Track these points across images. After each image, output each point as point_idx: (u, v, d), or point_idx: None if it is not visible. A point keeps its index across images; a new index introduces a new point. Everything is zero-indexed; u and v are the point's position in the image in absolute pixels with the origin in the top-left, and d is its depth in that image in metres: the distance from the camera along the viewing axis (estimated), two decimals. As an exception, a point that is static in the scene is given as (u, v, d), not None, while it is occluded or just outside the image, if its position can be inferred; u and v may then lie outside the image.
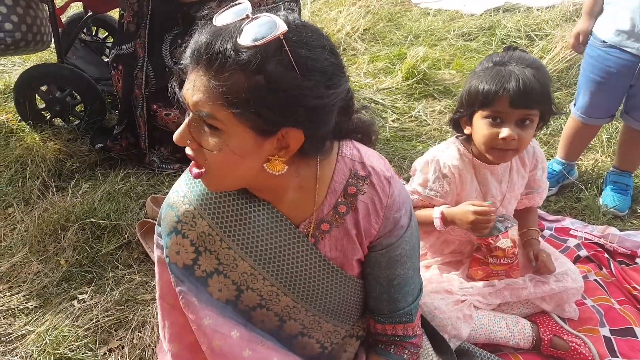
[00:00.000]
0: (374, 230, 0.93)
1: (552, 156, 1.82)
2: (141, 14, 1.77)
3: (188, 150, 0.81)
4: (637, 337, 1.26)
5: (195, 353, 0.98)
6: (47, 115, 2.19)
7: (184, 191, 0.92)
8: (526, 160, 1.30)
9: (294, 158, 0.81)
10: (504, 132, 1.11)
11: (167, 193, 1.90)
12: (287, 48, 0.68)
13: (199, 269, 0.91)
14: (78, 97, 2.17)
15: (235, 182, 0.83)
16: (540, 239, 1.38)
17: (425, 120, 2.17)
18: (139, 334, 1.42)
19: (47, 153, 2.02)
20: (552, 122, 2.06)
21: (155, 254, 0.99)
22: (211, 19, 0.77)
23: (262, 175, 0.80)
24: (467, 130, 1.21)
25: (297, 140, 0.76)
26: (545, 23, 2.76)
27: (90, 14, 2.32)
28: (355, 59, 2.76)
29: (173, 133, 2.21)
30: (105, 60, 2.66)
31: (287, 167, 0.80)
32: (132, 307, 1.50)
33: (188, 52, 0.75)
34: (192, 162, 0.82)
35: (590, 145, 1.92)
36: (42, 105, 2.20)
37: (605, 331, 1.29)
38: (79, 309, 1.51)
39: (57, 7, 2.12)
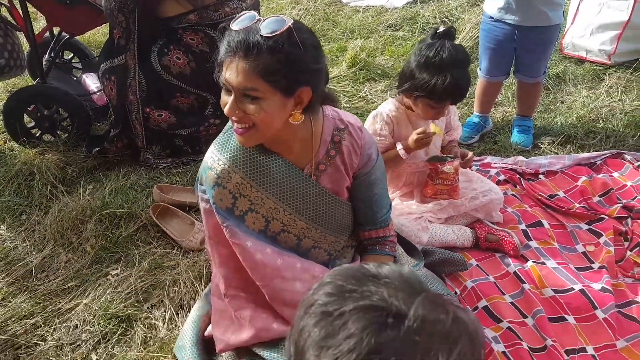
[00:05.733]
0: (355, 164, 1.34)
1: (472, 113, 2.33)
2: (129, 30, 2.05)
3: (234, 118, 1.15)
4: (544, 226, 1.77)
5: (239, 272, 1.31)
6: (36, 132, 2.40)
7: (217, 156, 1.25)
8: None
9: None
10: (441, 112, 1.60)
11: (167, 182, 2.22)
12: (295, 34, 1.07)
13: (237, 210, 1.25)
14: (62, 113, 2.41)
15: (269, 134, 1.18)
16: (471, 170, 1.87)
17: (371, 99, 2.62)
18: (175, 288, 1.71)
19: (48, 163, 2.25)
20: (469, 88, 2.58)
21: (201, 206, 1.32)
22: (226, 27, 1.15)
23: (285, 128, 1.18)
24: (405, 97, 1.67)
25: (308, 96, 1.15)
26: (455, 9, 3.32)
27: (66, 37, 2.55)
28: (303, 55, 3.16)
29: (165, 132, 2.60)
30: (74, 79, 2.90)
31: (303, 116, 1.18)
32: (162, 272, 1.77)
33: (224, 50, 1.10)
34: (235, 126, 1.17)
35: (499, 101, 2.45)
36: (30, 124, 2.42)
37: (522, 226, 1.78)
38: (115, 280, 1.78)
39: (36, 33, 2.37)
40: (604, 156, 2.04)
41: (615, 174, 1.96)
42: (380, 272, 0.56)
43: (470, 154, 1.77)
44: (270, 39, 1.06)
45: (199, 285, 1.72)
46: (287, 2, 3.72)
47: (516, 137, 2.20)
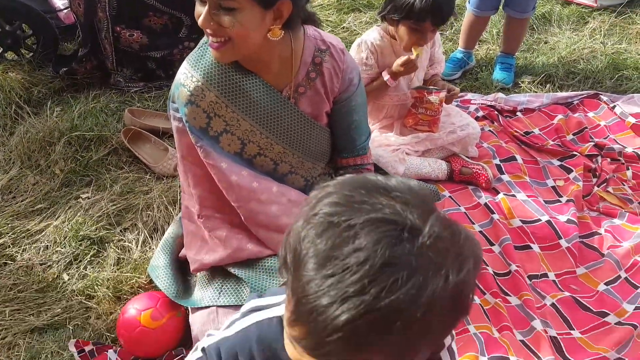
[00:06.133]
0: (336, 88, 1.30)
1: (456, 48, 2.29)
2: None
3: (209, 31, 1.08)
4: (517, 161, 1.81)
5: (213, 193, 1.29)
6: (-1, 49, 2.26)
7: (190, 72, 1.19)
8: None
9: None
10: (422, 40, 1.55)
11: (139, 107, 2.14)
12: None
13: (211, 130, 1.21)
14: (27, 30, 2.26)
15: (246, 50, 1.12)
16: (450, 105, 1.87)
17: (355, 30, 2.53)
18: (149, 212, 1.70)
19: (12, 83, 2.13)
20: (455, 23, 2.52)
21: (174, 125, 1.27)
22: None
23: (263, 45, 1.12)
24: (389, 25, 1.62)
25: (288, 9, 1.08)
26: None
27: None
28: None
29: (136, 54, 2.44)
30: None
31: (283, 32, 1.12)
32: (135, 196, 1.74)
33: None
34: (210, 40, 1.10)
35: (484, 38, 2.41)
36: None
37: (496, 161, 1.81)
38: (87, 203, 1.75)
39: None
40: (582, 96, 2.06)
41: (591, 114, 1.99)
42: (389, 184, 0.52)
43: (456, 89, 1.76)
44: None
45: (173, 209, 1.70)
46: None
47: (498, 74, 2.19)
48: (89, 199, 1.79)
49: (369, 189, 0.52)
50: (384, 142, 1.76)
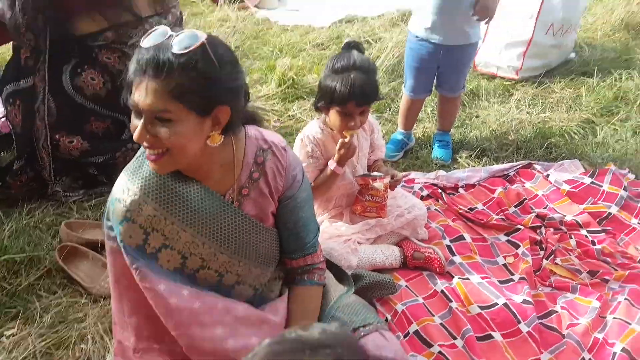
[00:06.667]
0: (280, 186, 1.28)
1: (395, 130, 2.39)
2: (39, 50, 1.87)
3: (146, 144, 1.05)
4: (466, 240, 1.83)
5: (151, 320, 1.19)
6: None
7: (127, 185, 1.14)
8: (366, 127, 1.80)
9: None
10: (352, 123, 1.58)
11: (78, 218, 2.02)
12: (209, 50, 1.01)
13: (149, 247, 1.14)
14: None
15: (186, 159, 1.09)
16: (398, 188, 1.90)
17: (300, 117, 2.61)
18: (82, 346, 1.50)
19: None
20: (392, 105, 2.65)
21: (107, 245, 1.20)
22: (134, 45, 1.07)
23: (203, 152, 1.10)
24: (325, 115, 1.67)
25: (226, 115, 1.08)
26: (377, 29, 3.42)
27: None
28: (229, 74, 3.09)
29: (76, 161, 2.33)
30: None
31: (222, 137, 1.10)
32: (67, 327, 1.55)
33: (133, 69, 1.02)
34: (148, 153, 1.07)
35: (420, 118, 2.53)
36: None
37: (446, 241, 1.83)
38: (10, 343, 1.51)
39: None
40: (517, 167, 2.16)
41: (528, 184, 2.08)
42: (315, 340, 0.50)
43: (399, 174, 1.80)
44: (183, 56, 0.99)
45: (109, 340, 1.52)
46: (215, 19, 3.64)
47: (437, 152, 2.28)
48: (13, 336, 1.55)
49: (295, 350, 0.49)
50: (334, 234, 1.75)
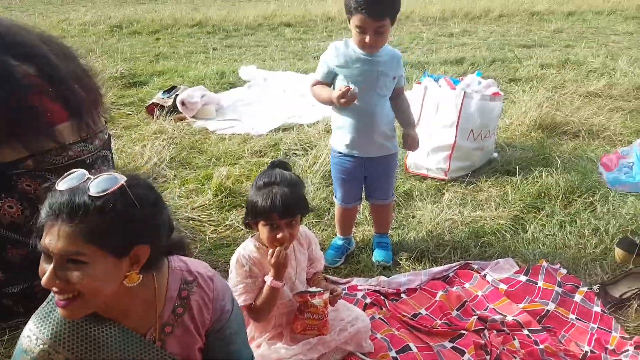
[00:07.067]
0: (207, 320, 1.21)
1: (335, 234, 2.39)
2: None
3: (55, 289, 0.98)
4: (412, 350, 1.76)
5: None
6: None
7: (35, 334, 1.05)
8: (302, 241, 1.79)
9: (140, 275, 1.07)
10: (279, 235, 1.56)
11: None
12: (128, 191, 0.99)
13: None
14: None
15: (100, 302, 1.02)
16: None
17: (238, 227, 2.56)
18: None
19: None
20: (331, 209, 2.68)
21: None
22: (50, 187, 1.03)
23: (119, 293, 1.03)
24: (255, 230, 1.65)
25: (146, 254, 1.04)
26: (312, 136, 3.59)
27: None
28: (167, 185, 3.05)
29: None
30: None
31: (141, 277, 1.05)
32: None
33: (45, 213, 0.98)
34: (57, 298, 0.99)
35: (359, 221, 2.57)
36: None
37: (392, 353, 1.75)
38: None
39: None
40: (455, 268, 2.19)
41: (467, 285, 2.10)
42: None
43: (339, 289, 1.76)
44: (100, 198, 0.97)
45: None
46: (150, 132, 3.68)
47: (377, 255, 2.28)
48: None
49: None
50: (273, 357, 1.62)
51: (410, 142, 2.12)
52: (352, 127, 2.04)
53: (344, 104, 1.91)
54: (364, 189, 2.27)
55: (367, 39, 1.85)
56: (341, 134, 2.09)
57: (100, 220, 0.97)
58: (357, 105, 1.97)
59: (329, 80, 2.05)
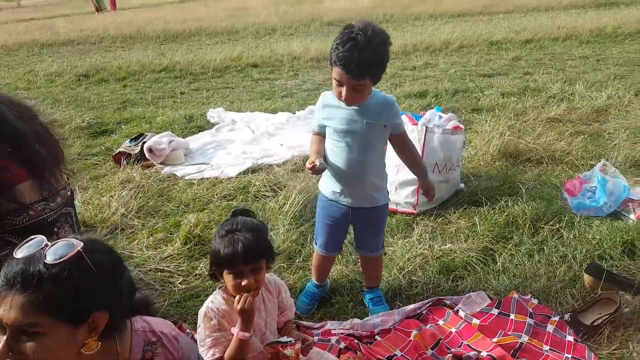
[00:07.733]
0: None
1: (307, 275, 2.35)
2: None
3: None
4: (389, 395, 1.72)
5: None
6: None
7: None
8: (272, 289, 1.75)
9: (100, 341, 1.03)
10: (244, 282, 1.53)
11: None
12: (85, 257, 0.96)
13: None
14: None
15: None
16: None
17: (207, 277, 2.50)
18: None
19: None
20: (303, 250, 2.66)
21: None
22: (9, 255, 1.00)
23: None
24: (222, 281, 1.61)
25: (104, 320, 1.00)
26: (281, 177, 3.59)
27: None
28: (135, 235, 2.97)
29: None
30: None
31: (99, 344, 1.01)
32: None
33: (0, 283, 0.95)
34: None
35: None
36: None
37: (369, 400, 1.71)
38: None
39: None
40: (427, 305, 2.18)
41: (441, 322, 2.08)
42: None
43: (311, 339, 1.72)
44: (56, 266, 0.95)
45: None
46: (117, 182, 3.61)
47: (375, 310, 2.18)
48: None
49: None
50: (243, 416, 1.55)
51: (425, 191, 2.09)
52: (341, 176, 1.99)
53: (314, 173, 1.91)
54: (354, 240, 2.21)
55: (344, 92, 1.77)
56: (330, 180, 2.04)
57: (56, 289, 0.94)
58: (346, 155, 1.93)
59: (323, 130, 2.00)
